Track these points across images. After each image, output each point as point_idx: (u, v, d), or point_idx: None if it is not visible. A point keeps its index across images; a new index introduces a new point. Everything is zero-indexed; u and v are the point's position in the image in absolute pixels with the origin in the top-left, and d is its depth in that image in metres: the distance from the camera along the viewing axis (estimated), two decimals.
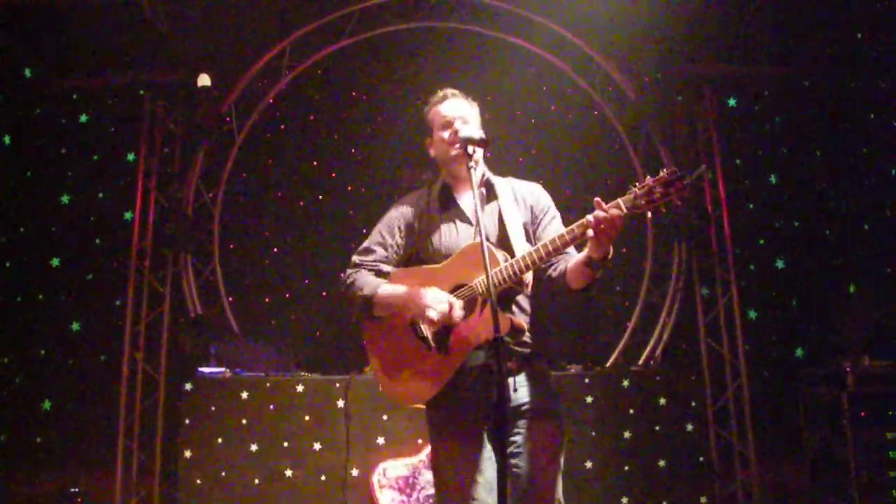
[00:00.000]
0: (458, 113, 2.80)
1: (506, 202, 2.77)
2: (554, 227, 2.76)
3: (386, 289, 2.69)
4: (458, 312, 2.55)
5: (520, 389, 2.61)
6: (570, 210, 2.91)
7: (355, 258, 2.85)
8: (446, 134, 2.76)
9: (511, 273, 2.51)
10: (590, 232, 2.35)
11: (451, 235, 2.75)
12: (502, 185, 2.84)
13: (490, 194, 2.82)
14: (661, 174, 2.31)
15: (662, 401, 5.31)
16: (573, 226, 2.44)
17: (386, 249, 2.83)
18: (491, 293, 2.29)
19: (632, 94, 6.63)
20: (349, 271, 2.82)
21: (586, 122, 7.16)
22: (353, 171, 7.07)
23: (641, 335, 6.63)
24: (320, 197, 7.07)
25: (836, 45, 6.64)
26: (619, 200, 2.33)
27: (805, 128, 7.06)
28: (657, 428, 5.26)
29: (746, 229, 6.79)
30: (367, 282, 2.73)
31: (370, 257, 2.82)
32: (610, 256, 2.42)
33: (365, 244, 2.87)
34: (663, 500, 5.14)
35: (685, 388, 5.42)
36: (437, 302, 2.54)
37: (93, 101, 6.76)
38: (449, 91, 2.89)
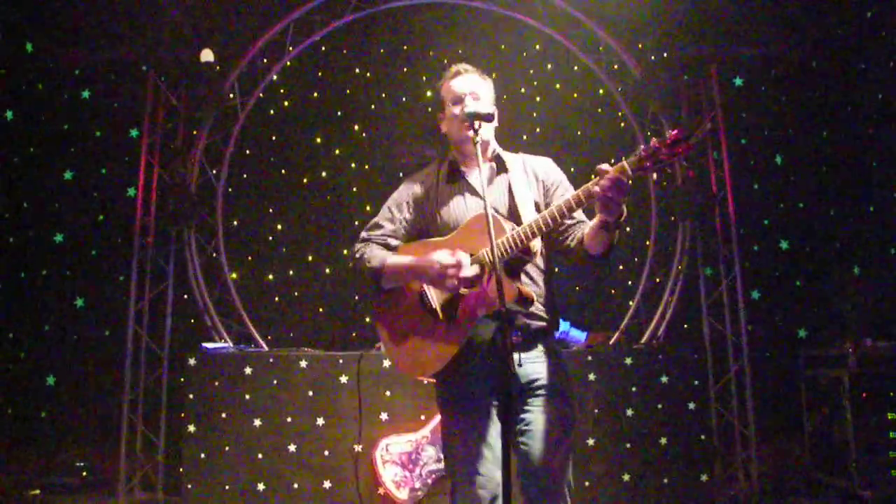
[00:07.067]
0: (470, 88, 2.77)
1: (516, 176, 2.75)
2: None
3: (394, 259, 2.69)
4: (467, 270, 2.51)
5: (534, 365, 2.60)
6: (575, 187, 2.89)
7: (364, 233, 2.85)
8: (457, 110, 2.74)
9: (517, 241, 2.48)
10: (596, 189, 2.32)
11: (459, 208, 2.74)
12: (513, 159, 2.83)
13: (500, 168, 2.80)
14: (667, 135, 2.28)
15: (664, 379, 5.33)
16: (578, 191, 2.42)
17: (394, 224, 2.82)
18: (495, 260, 2.28)
19: (637, 73, 6.57)
20: (358, 246, 2.81)
21: (591, 100, 7.13)
22: (357, 148, 7.05)
23: (644, 314, 6.64)
24: (324, 174, 7.06)
25: (844, 26, 6.58)
26: (624, 162, 2.31)
27: (811, 108, 7.02)
28: (659, 406, 5.28)
29: (751, 210, 6.78)
30: (375, 254, 2.73)
31: (378, 232, 2.82)
32: (624, 217, 2.40)
33: (374, 220, 2.86)
34: (664, 478, 5.17)
35: (687, 367, 5.43)
36: (446, 257, 2.51)
37: (95, 76, 6.72)
38: (461, 66, 2.85)
